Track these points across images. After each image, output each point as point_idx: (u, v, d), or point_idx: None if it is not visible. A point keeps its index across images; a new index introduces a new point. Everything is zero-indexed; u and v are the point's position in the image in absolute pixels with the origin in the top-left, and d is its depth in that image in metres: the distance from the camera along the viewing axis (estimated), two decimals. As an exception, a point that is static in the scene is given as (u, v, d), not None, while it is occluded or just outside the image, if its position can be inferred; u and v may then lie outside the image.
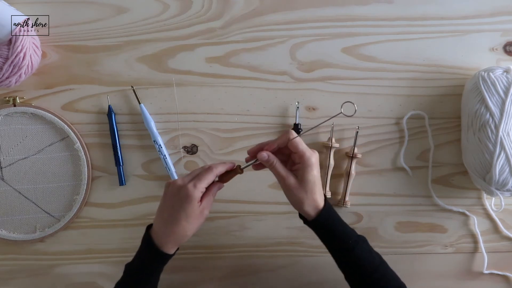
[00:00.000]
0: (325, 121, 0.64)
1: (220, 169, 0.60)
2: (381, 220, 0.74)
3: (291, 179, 0.58)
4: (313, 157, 0.58)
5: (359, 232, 0.62)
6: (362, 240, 0.61)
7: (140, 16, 0.73)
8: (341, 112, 0.60)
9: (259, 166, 0.61)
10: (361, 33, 0.73)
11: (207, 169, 0.59)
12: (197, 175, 0.59)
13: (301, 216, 0.62)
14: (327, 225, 0.60)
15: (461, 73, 0.73)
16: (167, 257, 0.60)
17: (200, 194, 0.58)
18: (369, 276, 0.59)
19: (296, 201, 0.59)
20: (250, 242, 0.75)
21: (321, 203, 0.59)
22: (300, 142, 0.59)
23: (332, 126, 0.73)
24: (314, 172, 0.58)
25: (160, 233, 0.59)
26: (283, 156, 0.61)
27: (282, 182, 0.59)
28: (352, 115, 0.60)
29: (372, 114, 0.74)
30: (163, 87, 0.73)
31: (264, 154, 0.59)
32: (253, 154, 0.60)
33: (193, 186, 0.57)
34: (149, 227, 0.61)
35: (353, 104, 0.60)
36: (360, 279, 0.59)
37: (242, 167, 0.61)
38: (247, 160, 0.62)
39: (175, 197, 0.58)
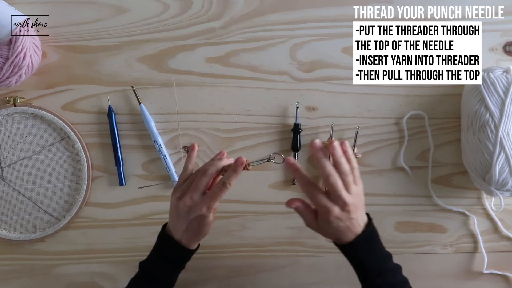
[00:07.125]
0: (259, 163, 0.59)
1: (233, 180, 0.56)
2: (381, 220, 0.74)
3: (336, 208, 0.54)
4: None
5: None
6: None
7: (140, 16, 0.73)
8: (271, 160, 0.58)
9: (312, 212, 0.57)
10: (361, 33, 0.73)
11: (221, 188, 0.55)
12: (210, 195, 0.56)
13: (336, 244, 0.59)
14: (375, 235, 0.58)
15: (461, 73, 0.73)
16: (192, 252, 0.60)
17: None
18: None
19: (354, 218, 0.55)
20: (250, 242, 0.75)
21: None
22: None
23: (332, 126, 0.73)
24: None
25: (181, 238, 0.58)
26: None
27: (331, 213, 0.54)
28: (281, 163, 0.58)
29: (372, 114, 0.74)
30: (163, 87, 0.73)
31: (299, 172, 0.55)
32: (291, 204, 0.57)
33: (207, 209, 0.55)
34: (165, 225, 0.61)
35: (280, 154, 0.59)
36: None
37: (250, 164, 0.57)
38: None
39: (188, 215, 0.56)
